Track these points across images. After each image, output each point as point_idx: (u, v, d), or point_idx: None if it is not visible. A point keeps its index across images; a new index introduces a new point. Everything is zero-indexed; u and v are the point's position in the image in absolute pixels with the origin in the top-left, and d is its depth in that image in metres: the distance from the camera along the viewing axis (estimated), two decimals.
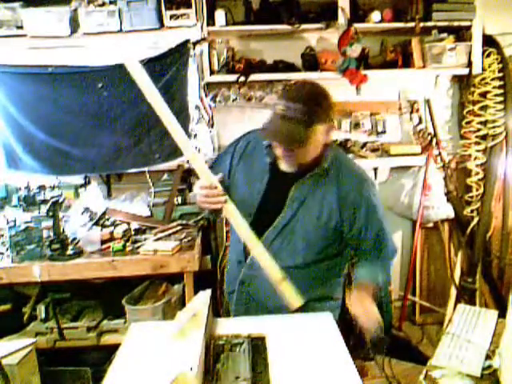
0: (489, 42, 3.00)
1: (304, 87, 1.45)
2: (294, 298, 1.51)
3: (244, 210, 1.56)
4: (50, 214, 2.40)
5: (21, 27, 2.70)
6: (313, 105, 1.40)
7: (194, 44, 2.78)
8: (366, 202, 1.57)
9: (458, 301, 3.06)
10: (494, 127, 3.05)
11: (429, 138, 3.17)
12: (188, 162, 1.67)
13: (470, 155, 3.15)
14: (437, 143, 3.16)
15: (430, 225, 3.24)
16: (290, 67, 2.97)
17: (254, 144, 1.65)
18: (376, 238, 1.62)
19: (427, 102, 3.21)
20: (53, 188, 2.83)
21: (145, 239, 2.55)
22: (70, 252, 2.35)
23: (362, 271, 1.64)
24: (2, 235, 2.51)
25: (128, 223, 2.73)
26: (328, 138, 1.50)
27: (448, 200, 3.15)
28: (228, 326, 1.46)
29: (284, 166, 1.54)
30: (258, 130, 1.50)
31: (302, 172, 1.53)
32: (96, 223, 2.64)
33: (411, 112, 3.23)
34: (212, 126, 2.94)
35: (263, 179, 1.58)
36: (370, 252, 1.65)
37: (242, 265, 1.65)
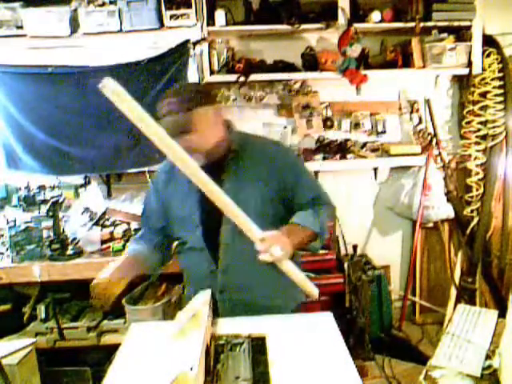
0: (489, 42, 3.00)
1: (178, 86, 1.60)
2: (310, 286, 1.51)
3: (190, 225, 1.59)
4: (50, 213, 2.40)
5: (21, 27, 2.70)
6: (188, 92, 1.49)
7: (194, 44, 2.78)
8: (290, 166, 1.61)
9: (457, 301, 3.06)
10: (494, 127, 3.05)
11: (429, 138, 3.17)
12: None
13: (469, 155, 3.15)
14: (437, 143, 3.16)
15: (430, 225, 3.25)
16: (290, 67, 2.97)
17: (168, 168, 1.67)
18: (310, 192, 1.63)
19: (427, 101, 3.21)
20: (53, 188, 2.83)
21: None
22: (70, 252, 2.35)
23: (293, 218, 1.57)
24: (2, 235, 2.51)
25: (128, 223, 2.73)
26: (218, 120, 1.52)
27: (448, 200, 3.15)
28: (228, 326, 1.45)
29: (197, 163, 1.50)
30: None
31: (219, 164, 1.55)
32: (96, 223, 2.64)
33: (411, 112, 3.24)
34: None
35: (192, 190, 1.55)
36: (306, 204, 1.61)
37: (216, 273, 1.59)
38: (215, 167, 1.53)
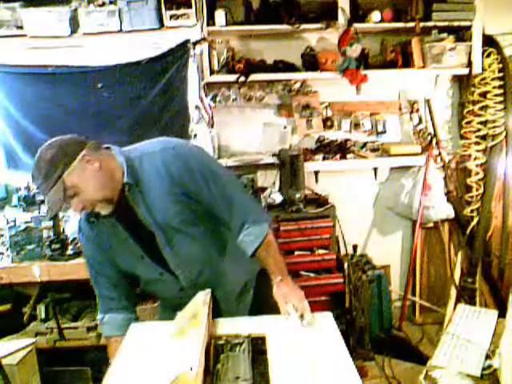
0: (489, 41, 3.00)
1: (37, 162, 1.40)
2: None
3: (133, 262, 1.55)
4: None
5: (21, 27, 2.70)
6: (46, 165, 1.37)
7: (194, 44, 2.77)
8: (184, 172, 1.47)
9: (457, 301, 3.06)
10: (494, 127, 3.05)
11: (429, 138, 3.17)
12: None
13: (469, 155, 3.15)
14: (437, 143, 3.16)
15: (430, 225, 3.25)
16: (289, 67, 2.97)
17: (86, 224, 1.59)
18: (224, 199, 1.52)
19: (427, 102, 3.21)
20: None
21: None
22: (69, 252, 2.35)
23: (247, 245, 1.53)
24: (2, 235, 2.51)
25: None
26: (93, 166, 1.41)
27: (448, 200, 3.15)
28: (228, 326, 1.45)
29: (103, 212, 1.48)
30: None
31: (123, 200, 1.47)
32: None
33: (411, 112, 3.24)
34: (212, 126, 2.94)
35: (119, 233, 1.52)
36: (232, 219, 1.54)
37: (185, 290, 1.58)
38: (122, 205, 1.47)
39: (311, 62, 2.96)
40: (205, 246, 1.57)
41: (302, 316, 1.40)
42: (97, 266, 1.61)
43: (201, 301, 1.45)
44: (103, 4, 2.69)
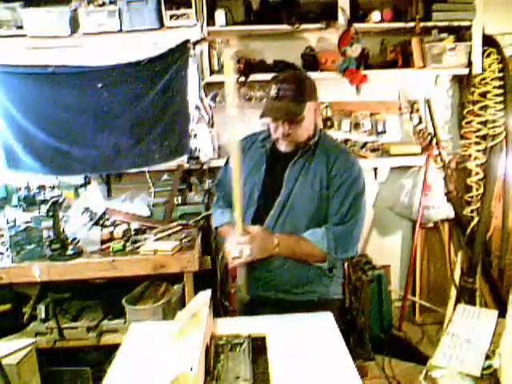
0: (489, 42, 3.00)
1: (290, 73, 1.72)
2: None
3: (249, 201, 1.72)
4: (50, 213, 2.40)
5: (21, 27, 2.70)
6: (301, 84, 1.62)
7: (194, 44, 2.78)
8: (343, 179, 1.66)
9: (457, 301, 3.06)
10: (494, 127, 3.05)
11: (429, 138, 3.17)
12: None
13: (469, 155, 3.15)
14: (437, 143, 3.16)
15: (430, 225, 3.24)
16: (290, 67, 2.96)
17: (249, 142, 1.84)
18: (343, 212, 1.66)
19: (427, 102, 3.21)
20: (53, 188, 2.83)
21: (145, 239, 2.55)
22: (70, 252, 2.35)
23: (307, 232, 1.67)
24: (2, 235, 2.51)
25: (128, 223, 2.73)
26: (317, 117, 1.69)
27: (448, 200, 3.15)
28: (228, 326, 1.46)
29: (283, 147, 1.70)
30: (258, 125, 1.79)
31: (295, 152, 1.69)
32: (96, 223, 2.64)
33: (411, 112, 3.23)
34: (212, 126, 2.94)
35: (261, 169, 1.73)
36: (332, 222, 1.68)
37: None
38: (289, 155, 1.69)
39: (311, 61, 2.96)
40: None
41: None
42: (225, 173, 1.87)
43: (201, 301, 1.45)
44: (103, 4, 2.70)
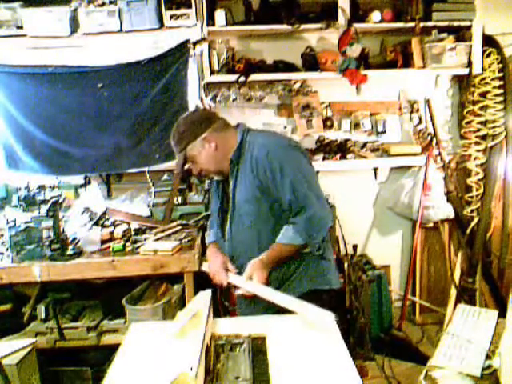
0: (489, 42, 3.00)
1: (176, 124, 1.82)
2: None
3: (217, 214, 1.97)
4: (50, 213, 2.40)
5: (21, 27, 2.70)
6: (179, 133, 1.78)
7: (194, 44, 2.78)
8: (271, 169, 1.72)
9: (458, 301, 3.06)
10: (494, 127, 3.05)
11: (429, 138, 3.17)
12: None
13: (470, 155, 3.15)
14: (437, 143, 3.16)
15: (430, 225, 3.24)
16: (290, 67, 2.97)
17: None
18: (292, 199, 1.73)
19: (427, 101, 3.21)
20: (53, 188, 2.83)
21: (145, 239, 2.55)
22: (70, 252, 2.35)
23: (279, 236, 1.76)
24: (2, 235, 2.51)
25: (128, 223, 2.73)
26: (216, 142, 1.76)
27: (448, 200, 3.15)
28: (228, 326, 1.46)
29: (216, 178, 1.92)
30: None
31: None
32: (96, 223, 2.64)
33: (411, 112, 3.24)
34: None
35: (218, 193, 1.95)
36: (292, 213, 1.76)
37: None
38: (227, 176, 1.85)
39: (311, 62, 2.96)
40: (253, 238, 1.81)
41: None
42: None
43: (201, 301, 1.45)
44: (103, 4, 2.69)
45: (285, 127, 3.17)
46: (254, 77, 2.89)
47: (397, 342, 3.04)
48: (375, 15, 2.88)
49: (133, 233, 2.63)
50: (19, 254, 2.31)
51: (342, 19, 2.88)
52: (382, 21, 2.91)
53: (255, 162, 1.74)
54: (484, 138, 3.10)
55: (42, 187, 2.84)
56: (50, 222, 2.42)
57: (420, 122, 3.24)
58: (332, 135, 3.19)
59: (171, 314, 2.32)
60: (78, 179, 2.91)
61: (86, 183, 2.93)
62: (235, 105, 3.05)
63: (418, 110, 3.23)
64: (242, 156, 1.78)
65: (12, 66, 2.75)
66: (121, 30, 2.71)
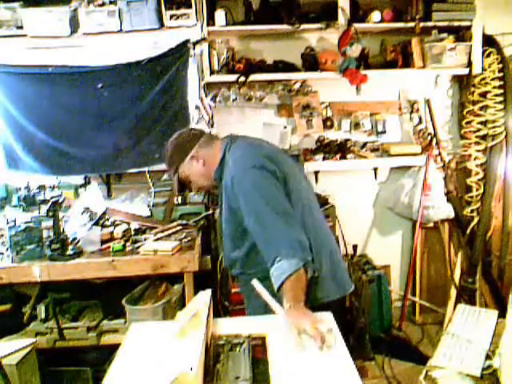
0: (489, 41, 3.00)
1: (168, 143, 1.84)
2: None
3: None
4: (50, 214, 2.40)
5: (21, 27, 2.70)
6: (168, 157, 1.81)
7: (194, 44, 2.78)
8: (236, 191, 1.66)
9: (458, 301, 3.06)
10: (494, 127, 3.05)
11: (429, 138, 3.18)
12: None
13: (470, 155, 3.15)
14: (437, 143, 3.16)
15: (430, 225, 3.24)
16: (290, 67, 2.97)
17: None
18: (253, 228, 1.62)
19: (427, 102, 3.21)
20: (53, 188, 2.83)
21: (145, 239, 2.55)
22: (70, 252, 2.35)
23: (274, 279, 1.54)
24: (2, 235, 2.51)
25: (128, 223, 2.72)
26: (200, 163, 1.77)
27: (448, 200, 3.15)
28: (228, 326, 1.46)
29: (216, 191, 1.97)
30: None
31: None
32: (96, 223, 2.64)
33: (411, 112, 3.24)
34: (212, 125, 2.94)
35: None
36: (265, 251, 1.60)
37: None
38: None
39: (311, 62, 2.96)
40: (238, 255, 1.79)
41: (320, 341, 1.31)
42: None
43: (201, 301, 1.45)
44: (103, 4, 2.69)
45: (285, 127, 3.17)
46: (253, 77, 2.89)
47: (397, 342, 3.04)
48: (375, 15, 2.88)
49: (133, 233, 2.63)
50: (19, 254, 2.31)
51: (341, 19, 2.88)
52: (382, 21, 2.91)
53: (225, 185, 1.72)
54: (484, 138, 3.10)
55: (41, 187, 2.84)
56: (50, 222, 2.42)
57: (420, 122, 3.24)
58: (332, 135, 3.19)
59: (171, 314, 2.32)
60: (78, 179, 2.91)
61: (86, 183, 2.93)
62: (235, 105, 3.05)
63: (417, 110, 3.23)
64: (223, 173, 1.74)
65: (12, 66, 2.75)
66: (121, 30, 2.71)
